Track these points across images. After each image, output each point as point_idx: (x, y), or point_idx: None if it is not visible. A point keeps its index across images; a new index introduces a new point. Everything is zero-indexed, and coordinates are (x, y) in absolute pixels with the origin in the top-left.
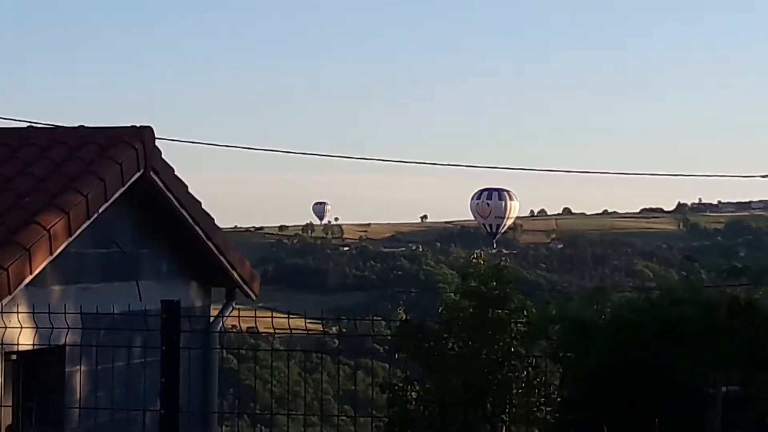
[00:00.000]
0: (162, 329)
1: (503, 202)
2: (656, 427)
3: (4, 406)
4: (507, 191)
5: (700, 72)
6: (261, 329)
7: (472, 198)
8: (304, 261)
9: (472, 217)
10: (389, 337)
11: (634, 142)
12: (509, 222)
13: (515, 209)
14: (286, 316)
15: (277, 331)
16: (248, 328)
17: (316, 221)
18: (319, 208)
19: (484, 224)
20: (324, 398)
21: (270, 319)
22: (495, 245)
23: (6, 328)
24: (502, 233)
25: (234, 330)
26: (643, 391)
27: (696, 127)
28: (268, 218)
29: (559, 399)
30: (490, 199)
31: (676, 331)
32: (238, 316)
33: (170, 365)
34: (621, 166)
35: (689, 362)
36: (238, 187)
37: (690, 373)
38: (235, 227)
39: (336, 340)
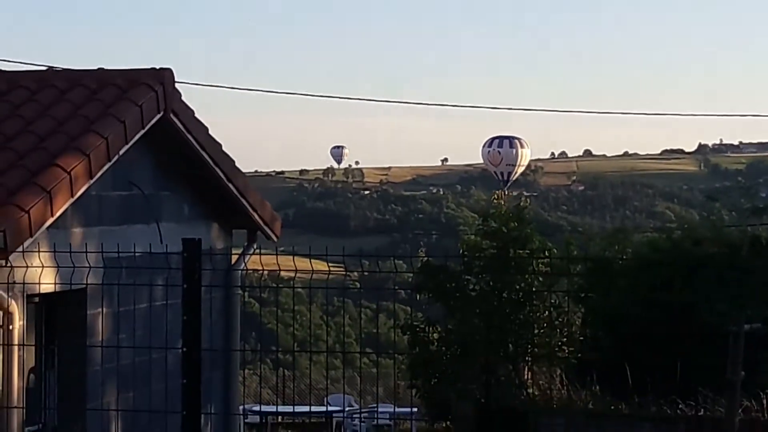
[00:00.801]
0: (183, 267)
1: (514, 150)
2: (678, 366)
3: (27, 346)
4: (518, 139)
5: (720, 11)
6: (282, 271)
7: (484, 146)
8: (325, 205)
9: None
10: (410, 279)
11: (655, 83)
12: (521, 169)
13: (526, 157)
14: (308, 257)
15: (298, 270)
16: (270, 271)
17: (336, 165)
18: (337, 152)
19: (495, 172)
20: (346, 341)
21: (291, 261)
22: (507, 192)
23: (28, 267)
24: (515, 179)
25: (256, 271)
26: (664, 330)
27: (717, 67)
28: (289, 163)
29: (581, 339)
30: (501, 146)
31: (698, 270)
32: (260, 255)
33: (191, 303)
34: (642, 107)
35: (711, 301)
36: (258, 132)
37: (712, 312)
38: (256, 172)
39: (357, 283)
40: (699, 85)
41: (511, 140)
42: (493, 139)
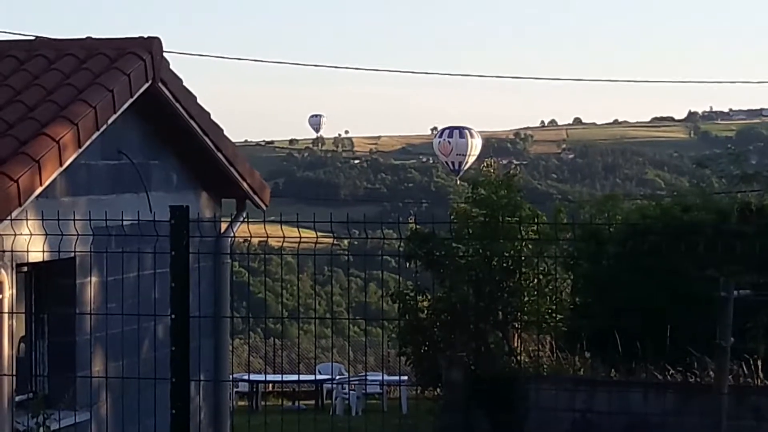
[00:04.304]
0: (171, 234)
1: (464, 140)
2: (668, 333)
3: (17, 314)
4: (468, 129)
5: None
6: (271, 241)
7: (435, 136)
8: (314, 174)
9: (480, 130)
10: (400, 247)
11: (645, 50)
12: (471, 159)
13: (477, 147)
14: (296, 226)
15: (287, 238)
16: (259, 241)
17: (324, 135)
18: (315, 121)
19: (446, 162)
20: (336, 310)
21: (280, 230)
22: (458, 182)
23: (16, 235)
24: (465, 170)
25: (245, 237)
26: (654, 296)
27: (707, 34)
28: (279, 132)
29: (571, 306)
30: (451, 137)
31: (688, 236)
32: (248, 224)
33: (179, 270)
34: (632, 75)
35: (700, 268)
36: (248, 102)
37: (701, 279)
38: (246, 141)
39: (347, 252)
40: (689, 52)
41: (461, 130)
42: (444, 129)
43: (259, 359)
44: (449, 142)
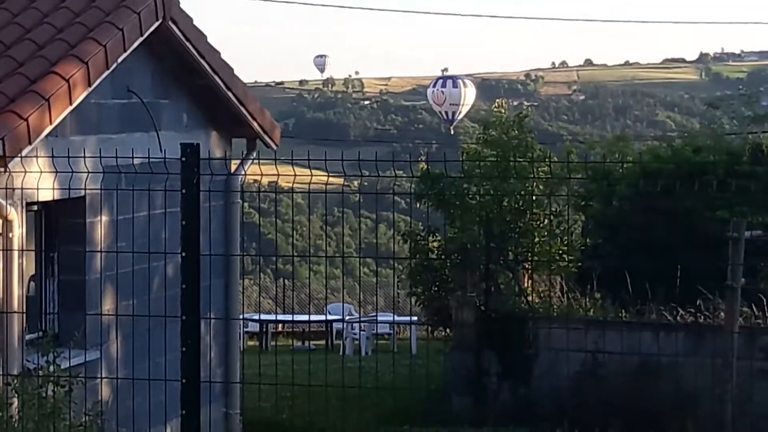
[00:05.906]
0: (182, 172)
1: (458, 90)
2: (678, 274)
3: (27, 252)
4: (461, 79)
5: None
6: (281, 182)
7: (429, 86)
8: (324, 115)
9: (491, 71)
10: (410, 187)
11: None
12: (465, 109)
13: (470, 97)
14: (307, 166)
15: (297, 176)
16: (269, 182)
17: (334, 75)
18: (320, 61)
19: (440, 112)
20: (346, 251)
21: (291, 170)
22: (453, 131)
23: (26, 173)
24: (459, 119)
25: (255, 178)
26: (665, 237)
27: None
28: (289, 73)
29: (581, 247)
30: (445, 86)
31: (699, 178)
32: (259, 164)
33: (190, 208)
34: (643, 16)
35: (711, 209)
36: (258, 42)
37: (712, 219)
38: (256, 82)
39: (358, 192)
40: None
41: (454, 80)
42: (438, 79)
43: (269, 300)
44: (443, 92)
